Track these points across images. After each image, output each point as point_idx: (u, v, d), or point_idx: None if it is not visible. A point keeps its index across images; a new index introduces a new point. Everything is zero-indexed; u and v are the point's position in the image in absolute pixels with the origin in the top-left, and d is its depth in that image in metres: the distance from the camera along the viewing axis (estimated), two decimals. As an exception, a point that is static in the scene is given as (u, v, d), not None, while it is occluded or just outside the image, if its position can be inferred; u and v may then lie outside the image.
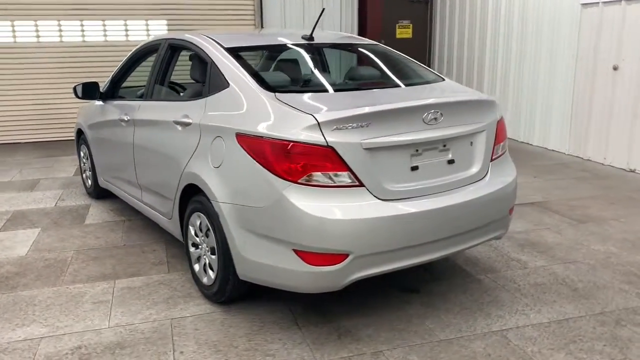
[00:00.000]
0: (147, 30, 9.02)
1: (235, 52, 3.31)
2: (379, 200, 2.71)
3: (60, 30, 8.61)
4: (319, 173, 2.60)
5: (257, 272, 2.84)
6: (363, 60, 3.93)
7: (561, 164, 6.76)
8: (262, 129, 2.72)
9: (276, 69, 3.94)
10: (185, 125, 3.32)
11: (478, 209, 3.02)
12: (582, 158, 7.04)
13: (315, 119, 2.60)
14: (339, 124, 2.61)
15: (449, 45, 9.96)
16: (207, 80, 3.31)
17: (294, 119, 2.65)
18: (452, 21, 9.79)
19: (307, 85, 3.33)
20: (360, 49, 3.99)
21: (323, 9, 3.78)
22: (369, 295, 3.32)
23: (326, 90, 3.21)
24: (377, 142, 2.68)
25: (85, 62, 8.72)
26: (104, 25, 8.79)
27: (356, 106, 2.75)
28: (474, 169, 3.09)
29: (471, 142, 3.08)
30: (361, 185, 2.67)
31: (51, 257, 3.99)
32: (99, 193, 5.25)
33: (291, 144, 2.59)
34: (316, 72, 3.65)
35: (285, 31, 4.06)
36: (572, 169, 6.51)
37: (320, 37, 3.78)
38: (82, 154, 5.52)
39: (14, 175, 6.53)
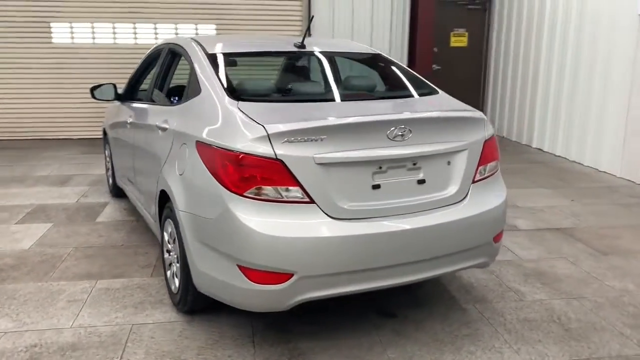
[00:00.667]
0: (196, 34, 9.22)
1: (215, 59, 3.26)
2: (331, 219, 2.55)
3: (114, 33, 8.96)
4: (266, 187, 2.49)
5: (209, 286, 2.76)
6: (354, 69, 3.77)
7: (608, 188, 6.24)
8: (214, 137, 2.64)
9: (260, 76, 3.85)
10: (163, 130, 3.31)
11: (453, 233, 2.79)
12: (634, 182, 6.47)
13: (265, 130, 2.49)
14: (290, 136, 2.49)
15: (504, 56, 9.50)
16: (187, 85, 3.29)
17: (244, 130, 2.55)
18: (509, 31, 9.33)
19: (281, 94, 3.22)
20: (354, 58, 3.83)
21: (312, 16, 3.66)
22: (343, 316, 3.15)
23: (297, 100, 3.08)
24: (331, 157, 2.53)
25: (136, 63, 9.03)
26: (155, 28, 9.08)
27: (316, 118, 2.61)
28: (451, 191, 2.86)
29: (448, 162, 2.86)
30: (312, 202, 2.53)
31: (49, 253, 4.10)
32: (117, 192, 5.38)
33: (239, 155, 2.50)
34: (297, 80, 3.54)
35: (284, 38, 3.96)
36: (619, 194, 5.98)
37: (313, 45, 3.66)
38: (106, 153, 5.68)
39: (53, 170, 6.84)
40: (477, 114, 3.02)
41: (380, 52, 3.88)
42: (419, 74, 3.52)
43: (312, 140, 2.51)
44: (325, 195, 2.54)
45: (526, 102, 8.80)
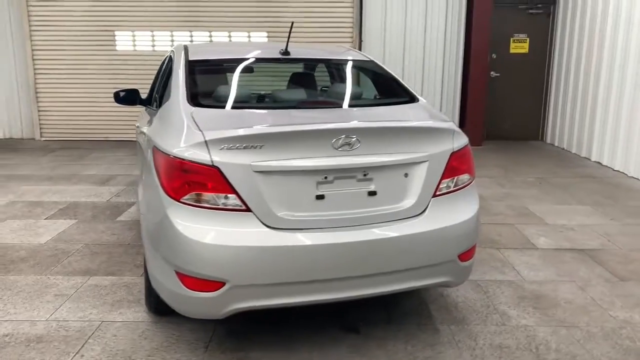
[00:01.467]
0: (249, 41, 9.43)
1: (193, 65, 3.31)
2: (268, 229, 2.51)
3: (172, 41, 9.37)
4: (202, 193, 2.49)
5: (159, 289, 2.79)
6: (336, 76, 3.69)
7: (660, 207, 5.68)
8: (161, 142, 2.68)
9: (239, 83, 3.86)
10: (144, 134, 3.41)
11: (407, 248, 2.66)
12: (694, 202, 5.85)
13: (203, 137, 2.50)
14: (227, 143, 2.48)
15: (567, 64, 8.94)
16: (166, 90, 3.37)
17: (186, 136, 2.57)
18: (572, 37, 8.77)
19: (243, 100, 3.20)
20: (339, 64, 3.75)
21: (292, 23, 3.62)
22: (305, 328, 3.09)
23: (255, 107, 3.06)
24: (270, 165, 2.49)
25: (191, 69, 9.41)
26: (210, 36, 9.39)
27: (262, 125, 2.58)
28: (406, 204, 2.72)
29: (406, 174, 2.72)
30: (248, 210, 2.50)
31: (60, 248, 4.34)
32: None
33: (177, 160, 2.52)
34: (268, 87, 3.52)
35: (272, 44, 3.94)
36: (671, 215, 5.44)
37: (300, 53, 3.63)
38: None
39: (100, 169, 7.24)
40: (445, 124, 2.86)
41: (372, 60, 3.77)
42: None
43: (250, 148, 2.48)
44: (262, 204, 2.50)
45: (586, 113, 8.22)
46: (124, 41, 9.39)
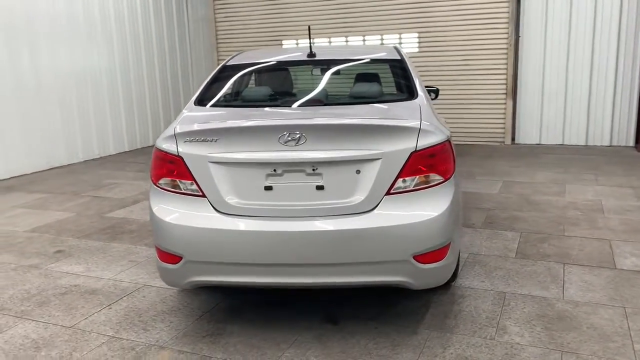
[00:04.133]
0: (400, 43, 9.57)
1: (225, 70, 3.74)
2: (218, 213, 2.81)
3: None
4: (170, 179, 2.91)
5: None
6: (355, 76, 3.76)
7: None
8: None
9: (261, 84, 4.12)
10: None
11: (351, 242, 2.71)
12: None
13: (174, 131, 2.91)
14: (189, 136, 2.85)
15: None
16: None
17: (167, 130, 3.01)
18: None
19: (239, 100, 3.46)
20: (360, 64, 3.79)
21: (309, 27, 3.76)
22: (289, 313, 3.29)
23: (243, 106, 3.33)
24: (223, 157, 2.79)
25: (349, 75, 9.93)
26: (364, 40, 9.77)
27: (223, 121, 2.90)
28: (355, 200, 2.76)
29: (358, 170, 2.76)
30: (203, 196, 2.84)
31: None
32: None
33: (156, 150, 2.97)
34: (275, 88, 3.72)
35: (302, 49, 4.08)
36: None
37: (323, 54, 3.80)
38: None
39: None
40: (408, 122, 2.80)
41: (396, 58, 3.74)
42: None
43: (207, 141, 2.82)
44: (215, 191, 2.81)
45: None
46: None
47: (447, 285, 3.57)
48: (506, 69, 8.96)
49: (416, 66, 9.38)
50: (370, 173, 2.75)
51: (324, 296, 3.48)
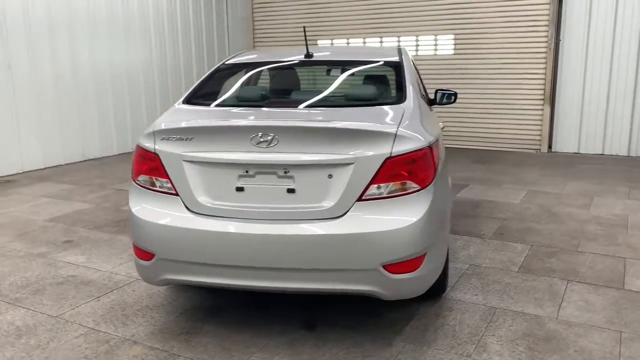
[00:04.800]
0: (436, 44, 9.37)
1: (219, 68, 3.74)
2: (190, 213, 2.81)
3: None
4: (147, 176, 2.93)
5: None
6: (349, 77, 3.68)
7: None
8: (145, 132, 3.18)
9: (252, 84, 4.06)
10: None
11: (319, 248, 2.65)
12: None
13: (153, 129, 2.92)
14: (165, 134, 2.86)
15: None
16: None
17: (148, 128, 3.02)
18: None
19: (223, 99, 3.43)
20: (355, 67, 3.70)
21: (304, 27, 3.68)
22: (267, 316, 3.26)
23: (226, 105, 3.30)
24: (196, 156, 2.78)
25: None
26: (399, 41, 9.63)
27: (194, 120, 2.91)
28: (326, 205, 2.69)
29: (330, 175, 2.69)
30: (177, 194, 2.84)
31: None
32: None
33: (137, 147, 3.00)
34: (260, 88, 3.68)
35: (299, 49, 4.02)
36: None
37: (321, 56, 3.74)
38: None
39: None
40: (383, 127, 2.71)
41: (393, 60, 3.63)
42: None
43: (182, 140, 2.82)
44: (188, 190, 2.81)
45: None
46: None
47: (436, 296, 3.45)
48: (544, 73, 8.62)
49: (450, 68, 9.16)
50: (343, 178, 2.67)
51: (305, 301, 3.43)
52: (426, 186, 2.74)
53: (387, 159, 2.66)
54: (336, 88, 3.51)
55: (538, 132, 8.87)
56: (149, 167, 2.91)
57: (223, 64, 3.82)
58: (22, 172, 7.62)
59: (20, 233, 4.93)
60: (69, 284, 3.79)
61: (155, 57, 9.61)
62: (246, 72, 3.85)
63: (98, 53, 8.60)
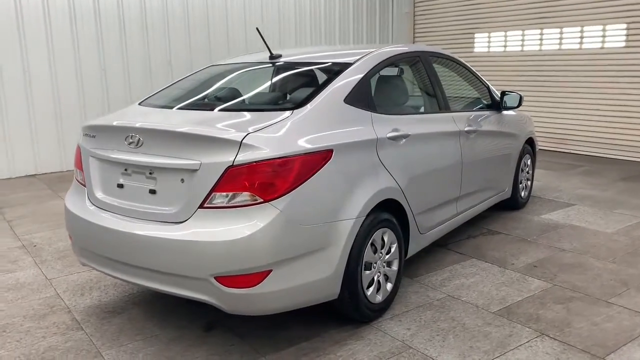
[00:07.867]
0: (604, 36, 7.95)
1: (199, 72, 3.92)
2: (88, 203, 3.08)
3: (523, 40, 8.92)
4: (75, 168, 3.30)
5: None
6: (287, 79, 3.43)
7: None
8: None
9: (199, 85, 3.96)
10: None
11: (157, 251, 2.69)
12: None
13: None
14: (84, 131, 3.18)
15: None
16: None
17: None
18: None
19: (162, 101, 3.48)
20: (303, 67, 3.45)
21: (257, 28, 3.50)
22: (184, 313, 3.35)
23: (155, 107, 3.37)
24: (95, 153, 3.05)
25: (542, 70, 8.74)
26: (561, 32, 8.43)
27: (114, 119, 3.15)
28: (172, 209, 2.70)
29: (182, 179, 2.69)
30: (85, 186, 3.15)
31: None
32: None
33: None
34: (223, 89, 3.61)
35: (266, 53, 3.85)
36: None
37: (289, 57, 3.62)
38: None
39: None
40: (229, 134, 2.59)
41: (342, 62, 3.31)
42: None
43: (90, 137, 3.11)
44: (90, 183, 3.09)
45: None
46: (480, 43, 9.58)
47: (363, 321, 3.13)
48: None
49: (621, 64, 7.61)
50: (190, 183, 2.65)
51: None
52: (272, 199, 2.54)
53: (228, 167, 2.56)
54: (259, 91, 3.40)
55: None
56: (77, 160, 3.26)
57: (198, 70, 4.00)
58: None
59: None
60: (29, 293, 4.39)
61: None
62: (211, 75, 3.91)
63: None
